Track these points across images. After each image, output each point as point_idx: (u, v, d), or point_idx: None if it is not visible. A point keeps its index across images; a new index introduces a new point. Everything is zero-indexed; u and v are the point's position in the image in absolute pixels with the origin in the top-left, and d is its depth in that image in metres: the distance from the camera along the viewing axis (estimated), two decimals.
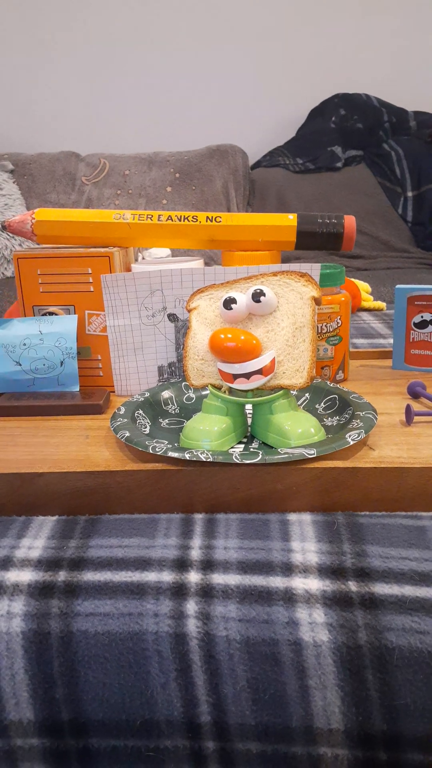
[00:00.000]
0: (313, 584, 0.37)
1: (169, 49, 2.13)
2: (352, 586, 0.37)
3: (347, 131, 2.04)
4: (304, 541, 0.41)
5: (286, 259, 1.77)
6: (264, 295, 0.50)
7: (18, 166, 2.00)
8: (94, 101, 2.18)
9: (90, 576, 0.39)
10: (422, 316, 0.68)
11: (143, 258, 1.19)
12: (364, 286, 1.24)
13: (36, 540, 0.42)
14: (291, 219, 0.65)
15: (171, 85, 2.16)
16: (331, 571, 0.38)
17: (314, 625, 0.36)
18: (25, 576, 0.39)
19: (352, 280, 1.22)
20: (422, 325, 0.68)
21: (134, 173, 1.98)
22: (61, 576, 0.39)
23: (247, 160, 2.05)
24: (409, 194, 1.94)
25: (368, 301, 1.22)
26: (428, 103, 2.08)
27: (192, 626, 0.36)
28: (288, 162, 2.04)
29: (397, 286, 0.68)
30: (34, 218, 0.66)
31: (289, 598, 0.37)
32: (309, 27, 2.09)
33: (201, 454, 0.44)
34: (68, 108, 2.19)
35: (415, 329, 0.68)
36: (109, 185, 1.97)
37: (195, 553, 0.40)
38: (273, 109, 2.17)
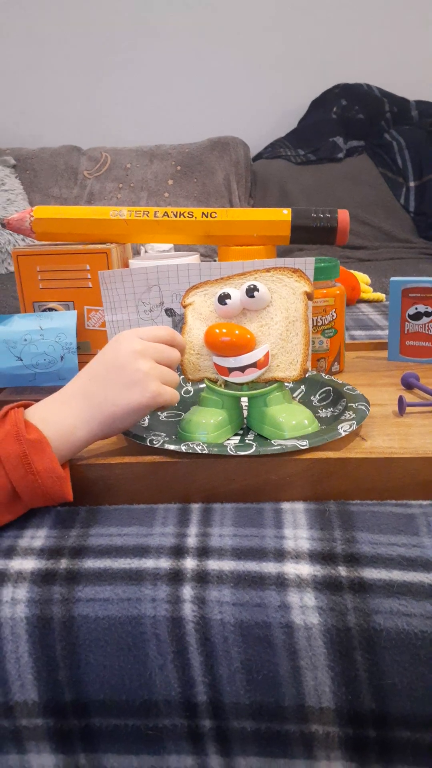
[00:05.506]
0: (305, 569, 0.39)
1: (170, 41, 2.12)
2: (342, 571, 0.38)
3: (349, 122, 2.03)
4: (297, 528, 0.42)
5: (287, 251, 1.78)
6: (257, 290, 0.51)
7: (20, 161, 2.01)
8: (94, 95, 2.19)
9: (90, 563, 0.40)
10: (416, 308, 0.69)
11: (146, 251, 1.20)
12: (363, 278, 1.25)
13: (39, 530, 0.43)
14: (285, 214, 0.66)
15: (172, 78, 2.16)
16: (322, 557, 0.39)
17: (305, 609, 0.37)
18: (28, 564, 0.40)
19: (351, 271, 1.23)
20: (416, 316, 0.69)
21: (136, 166, 1.98)
22: (63, 564, 0.40)
23: (249, 152, 2.05)
24: (411, 184, 1.94)
25: (367, 292, 1.23)
26: (430, 93, 2.07)
27: (188, 610, 0.38)
28: (289, 153, 2.04)
29: (392, 278, 0.69)
30: (32, 216, 0.67)
31: (281, 582, 0.38)
32: (309, 17, 2.08)
33: (197, 446, 0.45)
34: (69, 102, 2.19)
35: (410, 321, 0.69)
36: (111, 179, 1.97)
37: (191, 541, 0.41)
38: (274, 101, 2.17)
